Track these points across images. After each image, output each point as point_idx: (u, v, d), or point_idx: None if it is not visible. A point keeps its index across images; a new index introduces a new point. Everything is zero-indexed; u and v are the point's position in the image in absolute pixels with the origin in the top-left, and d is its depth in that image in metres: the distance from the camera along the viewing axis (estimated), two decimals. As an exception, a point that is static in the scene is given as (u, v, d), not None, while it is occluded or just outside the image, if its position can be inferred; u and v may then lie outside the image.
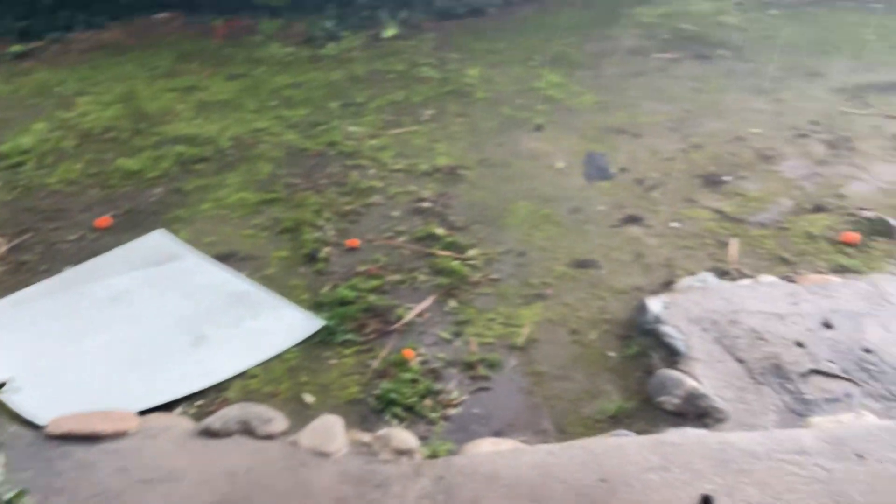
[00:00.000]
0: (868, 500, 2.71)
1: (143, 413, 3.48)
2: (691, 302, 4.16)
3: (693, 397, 3.52)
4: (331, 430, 3.13)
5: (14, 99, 7.53)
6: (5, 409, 3.52)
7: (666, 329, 3.94)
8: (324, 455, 3.00)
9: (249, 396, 3.72)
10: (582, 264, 4.77)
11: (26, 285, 4.68)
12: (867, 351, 3.78)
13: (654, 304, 4.14)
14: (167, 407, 3.63)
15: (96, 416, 3.22)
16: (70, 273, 4.86)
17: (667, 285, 4.51)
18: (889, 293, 4.23)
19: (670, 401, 3.56)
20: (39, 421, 3.37)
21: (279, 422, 3.21)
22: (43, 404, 3.56)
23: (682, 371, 3.68)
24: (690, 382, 3.57)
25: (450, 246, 4.94)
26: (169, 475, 2.90)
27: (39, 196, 5.75)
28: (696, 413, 3.50)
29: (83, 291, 4.64)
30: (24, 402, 3.60)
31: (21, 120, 6.99)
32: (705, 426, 3.40)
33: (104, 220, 5.36)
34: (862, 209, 5.20)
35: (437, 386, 3.79)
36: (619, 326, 4.21)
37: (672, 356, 3.81)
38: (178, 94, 7.52)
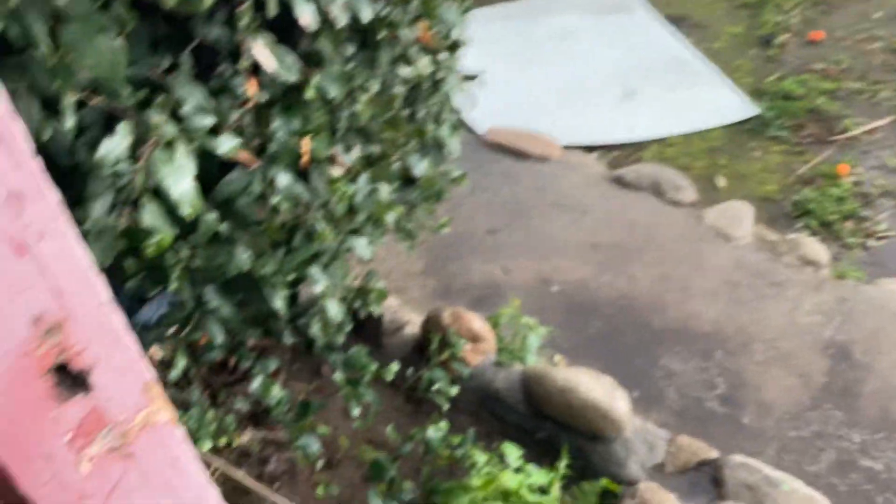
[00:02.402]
0: None
1: (565, 148, 3.70)
2: None
3: None
4: (739, 216, 3.05)
5: None
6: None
7: None
8: (726, 237, 2.96)
9: (663, 163, 3.72)
10: None
11: (487, 5, 5.00)
12: None
13: None
14: (586, 148, 3.80)
15: (526, 136, 3.49)
16: (529, 1, 5.08)
17: None
18: None
19: None
20: (479, 129, 3.75)
21: (689, 192, 3.19)
22: (485, 115, 3.94)
23: None
24: None
25: (936, 65, 4.20)
26: (576, 205, 3.09)
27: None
28: None
29: (539, 22, 4.86)
30: (472, 112, 4.02)
31: None
32: None
33: (570, -42, 5.42)
34: None
35: (865, 212, 3.43)
36: None
37: None
38: None
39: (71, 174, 1.16)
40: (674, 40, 4.56)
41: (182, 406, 1.95)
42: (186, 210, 1.10)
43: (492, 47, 4.60)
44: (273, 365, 2.03)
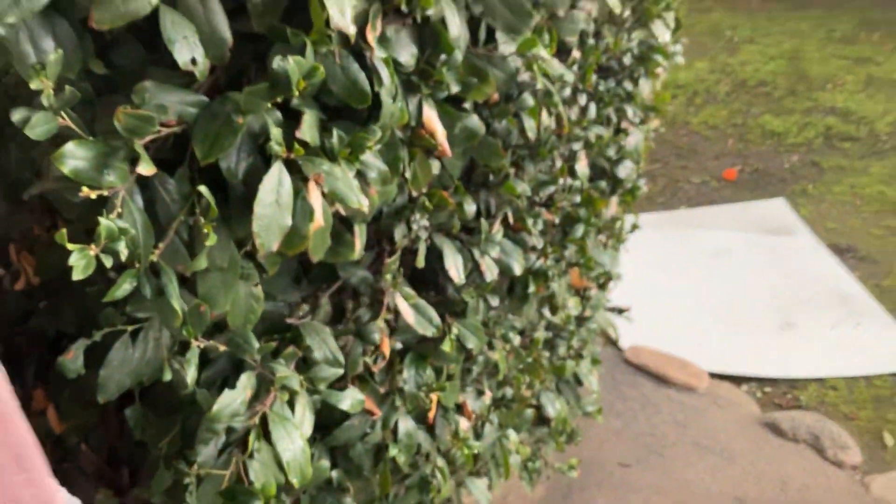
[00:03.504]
0: None
1: (712, 375, 3.44)
2: None
3: None
4: (913, 492, 2.66)
5: (686, 35, 7.90)
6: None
7: None
8: (896, 516, 2.57)
9: (823, 408, 3.37)
10: None
11: (641, 212, 4.95)
12: None
13: None
14: (734, 378, 3.52)
15: (672, 361, 3.28)
16: (683, 213, 4.99)
17: None
18: None
19: None
20: (621, 343, 3.58)
21: (854, 453, 2.84)
22: (627, 329, 3.77)
23: None
24: None
25: None
26: (722, 449, 2.81)
27: (679, 133, 5.98)
28: None
29: (690, 235, 4.73)
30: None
31: (686, 56, 7.30)
32: None
33: (731, 173, 5.34)
34: None
35: None
36: None
37: None
38: (847, 63, 6.97)
39: (187, 406, 1.10)
40: (839, 272, 4.29)
41: None
42: (294, 479, 1.00)
43: (642, 255, 4.49)
44: None
